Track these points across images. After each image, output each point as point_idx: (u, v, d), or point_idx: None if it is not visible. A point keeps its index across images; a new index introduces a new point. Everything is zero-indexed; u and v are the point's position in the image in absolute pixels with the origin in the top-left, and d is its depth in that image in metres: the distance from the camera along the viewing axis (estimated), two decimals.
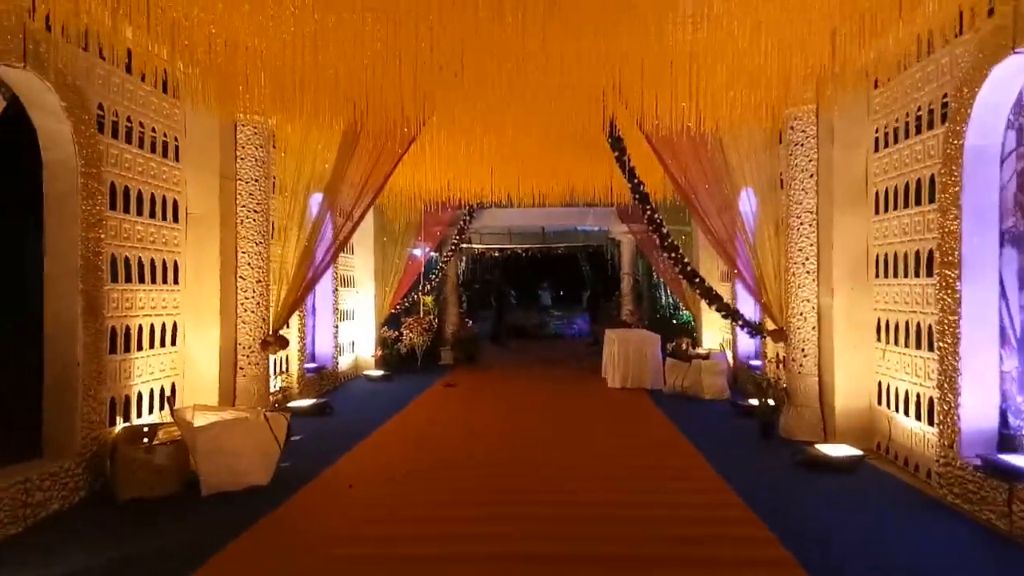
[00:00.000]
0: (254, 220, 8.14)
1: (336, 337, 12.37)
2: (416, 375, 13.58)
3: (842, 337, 7.64)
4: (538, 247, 22.29)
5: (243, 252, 8.05)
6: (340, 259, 12.56)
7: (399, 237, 14.49)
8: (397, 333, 14.40)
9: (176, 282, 7.39)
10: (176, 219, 7.44)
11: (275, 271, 8.66)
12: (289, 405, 9.29)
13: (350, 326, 13.59)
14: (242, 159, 8.11)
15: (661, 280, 17.32)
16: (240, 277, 8.02)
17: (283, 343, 8.28)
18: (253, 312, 8.03)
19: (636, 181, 9.16)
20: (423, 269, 15.32)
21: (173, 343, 7.31)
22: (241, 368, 7.91)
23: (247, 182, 8.11)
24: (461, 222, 15.81)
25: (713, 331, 13.34)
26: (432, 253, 16.13)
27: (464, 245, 18.00)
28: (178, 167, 7.47)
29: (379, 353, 13.87)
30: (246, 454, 6.00)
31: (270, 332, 8.17)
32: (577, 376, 13.86)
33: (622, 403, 10.87)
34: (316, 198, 9.05)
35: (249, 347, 7.97)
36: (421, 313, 15.33)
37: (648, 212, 9.46)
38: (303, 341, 10.52)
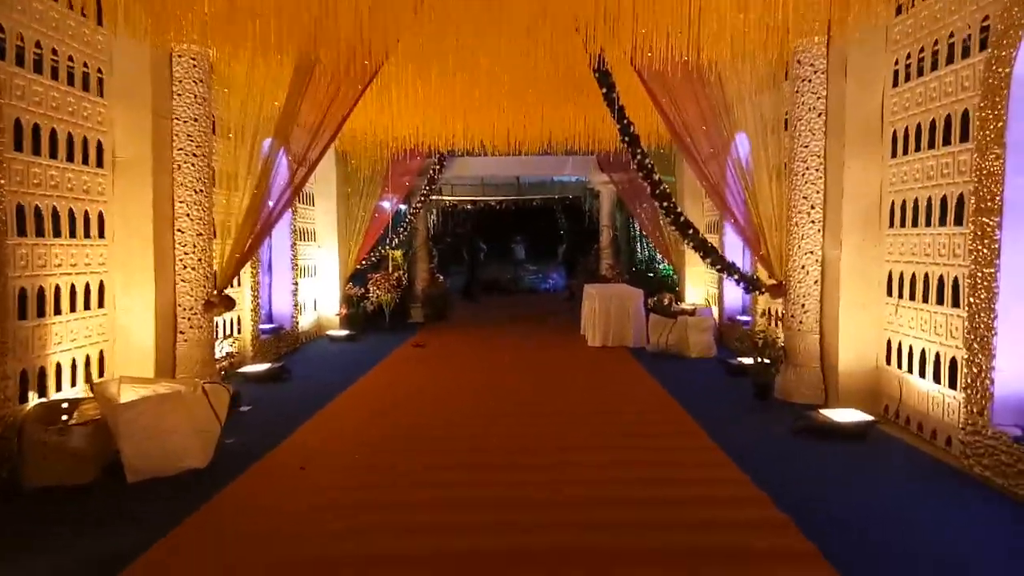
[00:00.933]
0: (194, 165, 7.21)
1: (295, 295, 11.44)
2: (384, 334, 12.78)
3: (848, 292, 7.01)
4: (512, 199, 21.47)
5: (181, 201, 7.12)
6: (299, 211, 11.62)
7: (364, 187, 13.46)
8: (363, 290, 13.50)
9: (102, 236, 6.47)
10: (100, 163, 6.50)
11: (220, 223, 7.72)
12: (240, 371, 8.44)
13: (312, 283, 12.67)
14: (179, 95, 7.18)
15: (639, 232, 16.65)
16: (178, 230, 7.10)
17: (229, 303, 7.39)
18: (194, 269, 7.12)
19: (626, 121, 8.30)
20: (390, 222, 14.40)
21: (101, 305, 6.41)
22: (182, 332, 7.02)
23: (185, 122, 7.19)
24: (431, 171, 14.84)
25: (697, 286, 12.73)
26: (400, 205, 15.17)
27: (434, 197, 17.07)
28: (103, 103, 6.53)
29: (343, 311, 13.00)
30: (180, 433, 5.15)
31: (214, 291, 7.26)
32: (554, 333, 13.25)
33: (605, 363, 10.21)
34: (267, 142, 8.07)
35: (190, 308, 7.07)
36: (389, 268, 14.43)
37: (638, 157, 8.60)
38: (257, 300, 9.61)
